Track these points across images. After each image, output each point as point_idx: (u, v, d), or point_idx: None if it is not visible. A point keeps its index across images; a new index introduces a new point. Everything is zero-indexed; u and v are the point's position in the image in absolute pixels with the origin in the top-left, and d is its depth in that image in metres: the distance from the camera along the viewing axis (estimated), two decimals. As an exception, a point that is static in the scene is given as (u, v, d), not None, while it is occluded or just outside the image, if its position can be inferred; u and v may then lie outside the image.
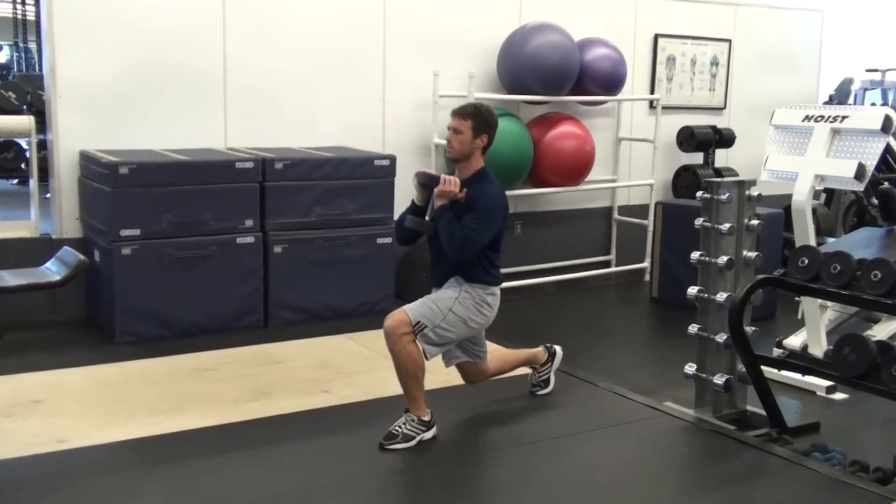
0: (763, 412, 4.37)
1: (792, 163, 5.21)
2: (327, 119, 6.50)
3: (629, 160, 7.92)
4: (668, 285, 6.82)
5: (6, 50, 17.94)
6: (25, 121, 6.43)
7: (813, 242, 4.94)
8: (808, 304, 5.21)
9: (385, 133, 6.74)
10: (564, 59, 6.83)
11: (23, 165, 9.49)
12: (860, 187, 5.21)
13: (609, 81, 7.18)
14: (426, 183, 3.96)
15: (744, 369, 4.37)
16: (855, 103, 11.60)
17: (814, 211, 5.66)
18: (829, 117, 5.05)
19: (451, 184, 3.89)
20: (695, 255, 4.48)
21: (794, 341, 5.33)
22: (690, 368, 4.52)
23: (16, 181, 10.24)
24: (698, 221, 4.48)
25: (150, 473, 3.64)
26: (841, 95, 11.59)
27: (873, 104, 11.41)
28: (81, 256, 5.31)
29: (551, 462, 3.84)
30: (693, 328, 4.49)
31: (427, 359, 3.88)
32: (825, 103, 9.71)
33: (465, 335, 4.02)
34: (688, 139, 8.08)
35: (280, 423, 4.17)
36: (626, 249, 7.83)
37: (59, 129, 5.70)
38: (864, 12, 12.24)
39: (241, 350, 5.22)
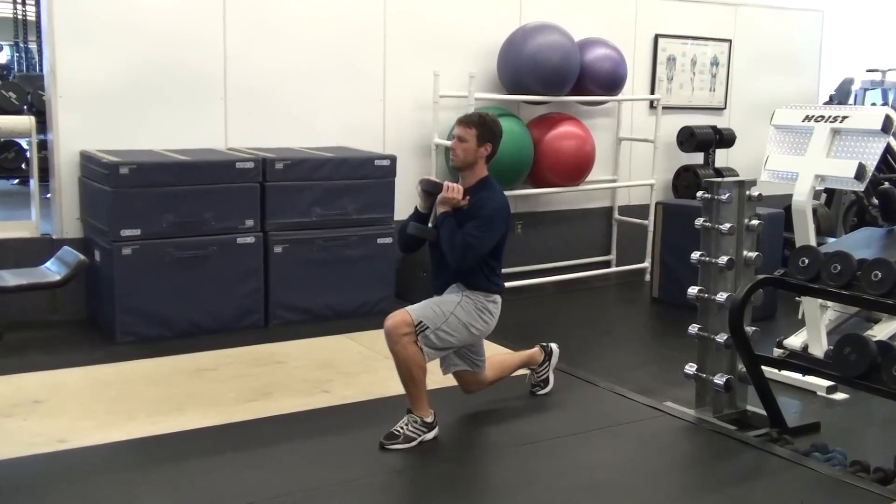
0: (763, 412, 4.37)
1: (792, 163, 5.21)
2: (328, 119, 6.50)
3: (629, 160, 7.92)
4: (668, 285, 6.82)
5: (6, 50, 17.93)
6: (26, 121, 6.42)
7: (813, 242, 4.94)
8: (808, 305, 5.20)
9: (385, 133, 6.74)
10: (565, 60, 6.83)
11: (23, 165, 9.50)
12: (860, 187, 5.21)
13: (609, 81, 7.18)
14: (429, 190, 3.99)
15: (744, 369, 4.37)
16: (855, 103, 11.59)
17: (814, 211, 5.65)
18: (829, 117, 5.05)
19: (453, 191, 3.90)
20: (695, 255, 4.48)
21: (795, 341, 5.33)
22: (691, 368, 4.52)
23: (16, 181, 10.24)
24: (699, 221, 4.48)
25: (150, 473, 3.64)
26: (841, 95, 11.58)
27: (874, 104, 11.40)
28: (81, 256, 5.31)
29: (551, 462, 3.84)
30: (693, 328, 4.49)
31: (427, 361, 3.88)
32: (825, 103, 9.69)
33: (465, 341, 4.02)
34: (688, 139, 8.08)
35: (280, 423, 4.17)
36: (627, 249, 7.83)
37: (59, 129, 5.70)
38: (864, 12, 12.23)
39: (242, 350, 5.22)
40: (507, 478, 3.76)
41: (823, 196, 7.89)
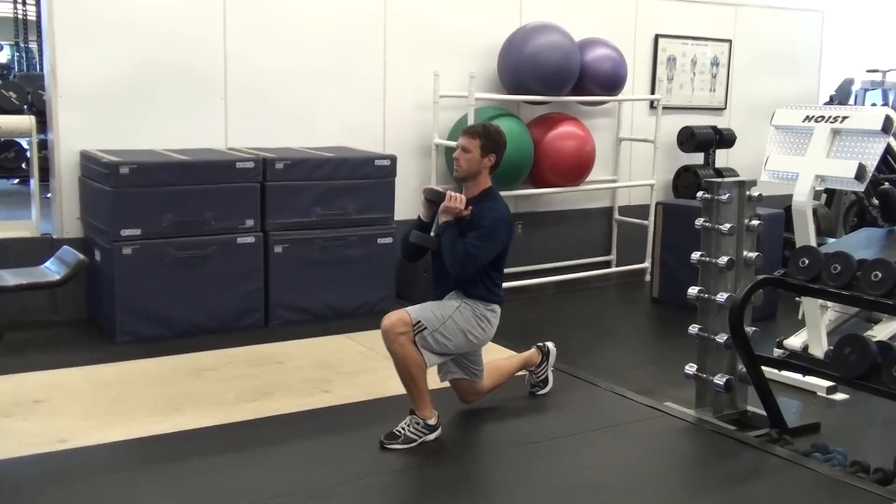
0: (763, 412, 4.37)
1: (792, 163, 5.21)
2: (328, 119, 6.50)
3: (630, 160, 7.92)
4: (668, 285, 6.81)
5: (7, 50, 17.94)
6: (26, 121, 6.43)
7: (813, 243, 4.94)
8: (808, 305, 5.20)
9: (385, 133, 6.73)
10: (565, 60, 6.83)
11: (23, 165, 9.50)
12: (861, 188, 5.21)
13: (609, 82, 7.18)
14: (432, 199, 4.00)
15: (744, 370, 4.37)
16: (855, 104, 11.58)
17: (814, 211, 5.65)
18: (829, 118, 5.05)
19: (456, 200, 3.91)
20: (695, 255, 4.48)
21: (795, 342, 5.32)
22: (691, 369, 4.52)
23: (16, 181, 10.24)
24: (699, 222, 4.48)
25: (149, 473, 3.64)
26: (841, 96, 11.57)
27: (874, 105, 11.40)
28: (81, 256, 5.31)
29: (551, 462, 3.84)
30: (693, 328, 4.49)
31: (426, 366, 3.88)
32: (826, 104, 9.69)
33: (463, 348, 4.01)
34: (688, 139, 8.07)
35: (280, 423, 4.16)
36: (627, 250, 7.83)
37: (59, 128, 5.70)
38: (864, 13, 12.22)
39: (242, 350, 5.22)
40: (507, 478, 3.76)
41: (823, 196, 7.89)
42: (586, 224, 7.81)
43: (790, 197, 5.19)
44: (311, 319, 5.82)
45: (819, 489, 3.66)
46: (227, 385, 4.66)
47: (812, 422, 4.54)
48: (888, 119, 4.82)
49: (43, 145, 6.50)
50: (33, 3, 13.07)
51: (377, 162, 6.06)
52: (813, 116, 5.13)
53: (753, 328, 4.33)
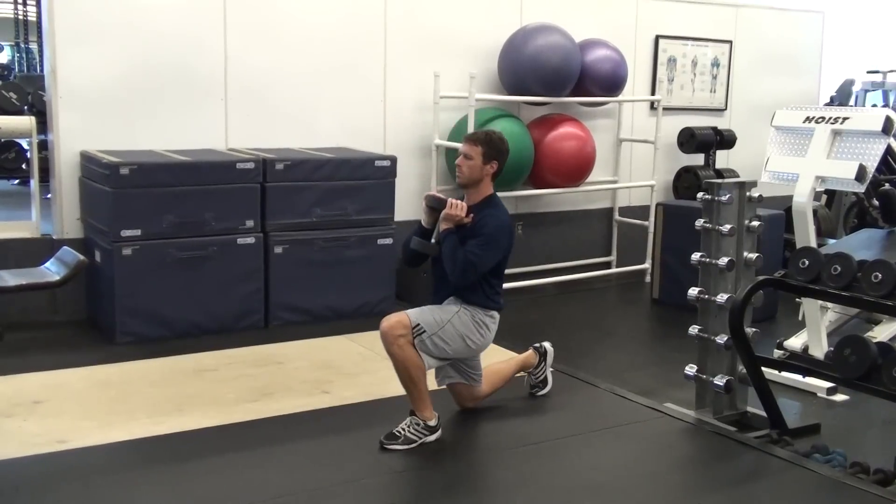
0: (764, 413, 4.37)
1: (793, 164, 5.21)
2: (328, 120, 6.50)
3: (630, 161, 7.92)
4: (668, 286, 6.81)
5: (7, 50, 17.94)
6: (26, 121, 6.43)
7: (814, 244, 4.94)
8: (808, 306, 5.20)
9: (386, 134, 6.73)
10: (565, 60, 6.83)
11: (24, 166, 9.50)
12: (861, 189, 5.21)
13: (610, 82, 7.17)
14: (433, 205, 4.01)
15: (744, 370, 4.37)
16: (856, 105, 11.59)
17: (814, 212, 5.65)
18: (829, 119, 5.05)
19: (457, 208, 3.92)
20: (695, 256, 4.48)
21: (795, 342, 5.33)
22: (691, 370, 4.52)
23: (17, 182, 10.24)
24: (699, 223, 4.48)
25: (150, 473, 3.64)
26: (842, 97, 11.57)
27: (874, 106, 11.41)
28: (80, 256, 5.28)
29: (552, 463, 3.84)
30: (694, 329, 4.49)
31: (426, 368, 3.88)
32: (826, 105, 9.70)
33: (461, 353, 4.02)
34: (688, 140, 8.07)
35: (280, 423, 4.17)
36: (627, 250, 7.83)
37: (59, 129, 5.70)
38: (865, 14, 12.23)
39: (242, 351, 5.22)
40: (506, 478, 3.76)
41: (824, 197, 7.89)
42: (586, 225, 7.81)
43: (790, 198, 5.18)
44: (311, 320, 5.82)
45: (819, 490, 3.66)
46: (227, 386, 4.66)
47: (812, 423, 4.54)
48: (888, 120, 4.82)
49: (43, 146, 6.50)
50: (34, 3, 13.07)
51: (377, 163, 6.06)
52: (813, 117, 5.13)
53: (753, 329, 4.34)
